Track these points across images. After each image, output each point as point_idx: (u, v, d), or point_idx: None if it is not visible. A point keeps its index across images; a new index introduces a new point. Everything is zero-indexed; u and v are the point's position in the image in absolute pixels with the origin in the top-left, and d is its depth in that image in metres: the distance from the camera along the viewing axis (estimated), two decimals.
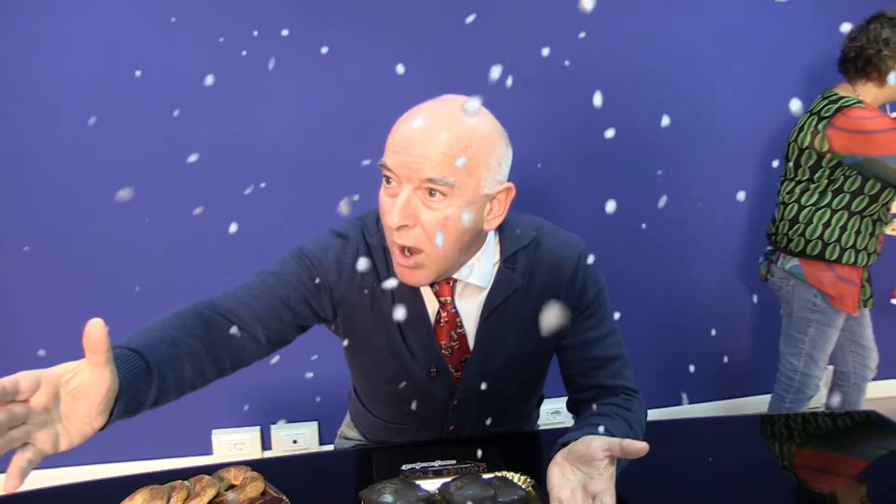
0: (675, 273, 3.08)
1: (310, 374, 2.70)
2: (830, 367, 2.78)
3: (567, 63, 2.66)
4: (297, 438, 2.78)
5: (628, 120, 2.81)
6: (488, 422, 1.37)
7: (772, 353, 2.73)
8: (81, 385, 0.80)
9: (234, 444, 2.78)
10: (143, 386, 0.93)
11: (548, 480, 1.05)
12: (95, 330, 0.77)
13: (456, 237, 1.13)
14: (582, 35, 2.66)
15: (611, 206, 2.35)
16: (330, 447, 2.59)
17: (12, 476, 0.73)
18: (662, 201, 2.96)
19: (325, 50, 2.49)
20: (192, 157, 2.50)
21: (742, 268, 3.17)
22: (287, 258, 1.25)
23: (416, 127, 1.09)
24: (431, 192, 1.09)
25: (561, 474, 1.03)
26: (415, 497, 1.12)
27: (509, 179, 1.18)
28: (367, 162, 2.45)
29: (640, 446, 0.98)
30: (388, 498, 1.12)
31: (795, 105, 0.83)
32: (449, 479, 1.20)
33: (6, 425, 0.73)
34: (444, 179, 1.08)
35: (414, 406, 1.34)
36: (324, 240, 1.27)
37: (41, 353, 2.30)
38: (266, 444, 2.82)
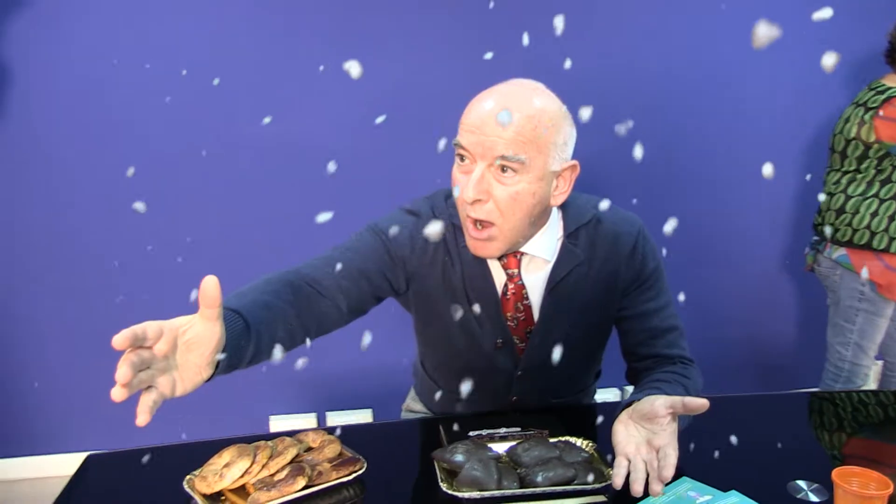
0: (718, 266, 3.10)
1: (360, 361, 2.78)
2: (880, 363, 2.79)
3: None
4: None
5: (672, 112, 2.85)
6: (550, 393, 1.44)
7: (817, 347, 2.75)
8: (195, 337, 0.88)
9: (291, 430, 2.86)
10: (244, 343, 1.01)
11: (613, 437, 1.11)
12: (211, 286, 0.85)
13: (526, 211, 1.20)
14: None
15: (669, 226, 2.38)
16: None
17: (142, 412, 0.82)
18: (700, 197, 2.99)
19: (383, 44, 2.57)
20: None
21: (784, 260, 3.18)
22: (363, 233, 1.33)
23: (490, 108, 1.16)
24: (504, 169, 1.17)
25: (626, 431, 1.09)
26: (486, 456, 1.19)
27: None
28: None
29: (701, 402, 1.04)
30: (460, 457, 1.19)
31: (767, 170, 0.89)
32: (515, 443, 1.27)
33: (137, 367, 0.81)
34: (516, 157, 1.15)
35: (480, 377, 1.41)
36: (396, 217, 1.35)
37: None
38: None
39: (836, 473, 1.05)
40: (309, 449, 1.28)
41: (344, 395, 2.89)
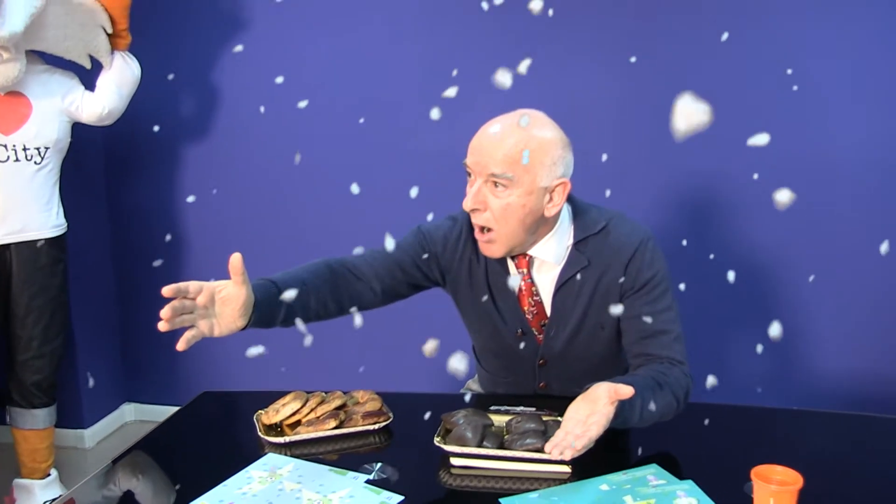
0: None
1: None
2: None
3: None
4: None
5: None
6: (574, 383, 1.64)
7: None
8: (227, 295, 1.27)
9: None
10: (274, 307, 1.38)
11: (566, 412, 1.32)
12: (235, 262, 1.23)
13: (519, 220, 1.45)
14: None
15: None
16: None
17: (182, 342, 1.22)
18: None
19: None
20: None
21: None
22: (408, 233, 1.65)
23: (488, 133, 1.45)
24: (496, 184, 1.43)
25: (574, 407, 1.30)
26: (480, 422, 1.43)
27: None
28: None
29: (626, 391, 1.23)
30: (461, 420, 1.45)
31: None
32: (512, 417, 1.49)
33: (179, 311, 1.20)
34: (504, 174, 1.42)
35: (509, 362, 1.66)
36: (439, 221, 1.65)
37: None
38: None
39: (755, 471, 1.18)
40: (356, 403, 1.60)
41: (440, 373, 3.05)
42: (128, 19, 2.55)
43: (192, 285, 1.22)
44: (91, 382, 3.17)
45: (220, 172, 3.13)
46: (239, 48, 2.97)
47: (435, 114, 1.96)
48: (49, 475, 2.66)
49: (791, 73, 2.51)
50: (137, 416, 3.47)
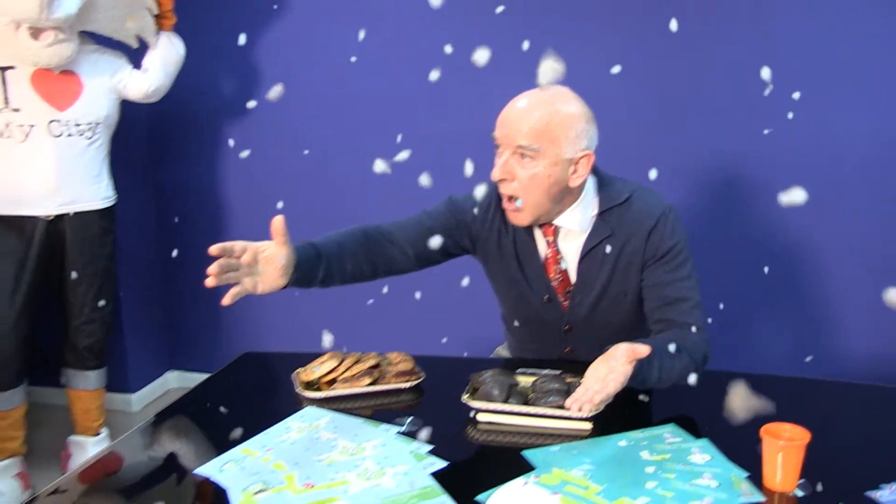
0: None
1: None
2: None
3: None
4: None
5: None
6: (598, 349, 1.71)
7: None
8: (270, 255, 1.37)
9: None
10: (313, 267, 1.48)
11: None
12: (278, 223, 1.34)
13: (544, 189, 1.53)
14: None
15: None
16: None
17: (227, 297, 1.32)
18: None
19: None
20: None
21: None
22: (441, 203, 1.73)
23: (515, 107, 1.53)
24: (522, 155, 1.51)
25: (594, 366, 1.37)
26: (507, 382, 1.51)
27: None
28: None
29: (644, 349, 1.30)
30: (488, 379, 1.53)
31: None
32: (537, 378, 1.57)
33: (225, 268, 1.30)
34: (531, 146, 1.49)
35: (536, 328, 1.73)
36: (470, 192, 1.72)
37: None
38: None
39: (765, 428, 1.24)
40: (390, 364, 1.69)
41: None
42: (173, 1, 2.65)
43: (237, 245, 1.32)
44: (136, 349, 3.32)
45: (260, 142, 3.22)
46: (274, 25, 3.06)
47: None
48: (100, 433, 2.81)
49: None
50: (181, 384, 3.61)
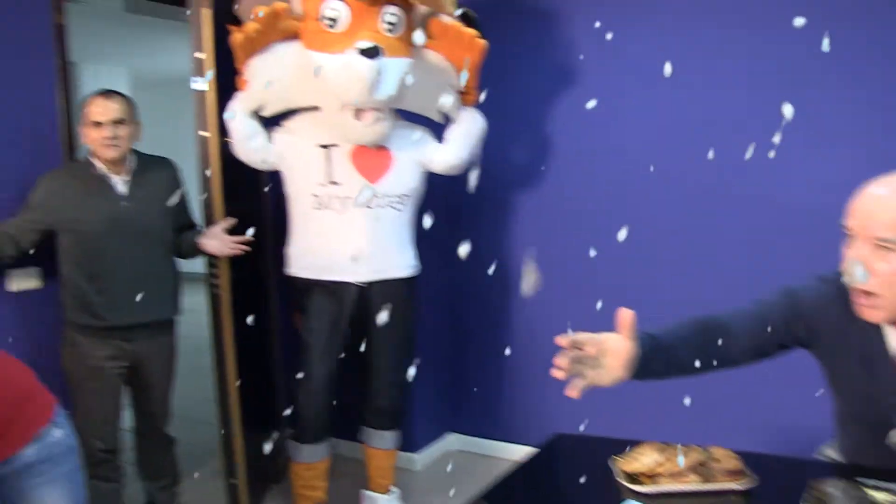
0: None
1: None
2: None
3: None
4: None
5: None
6: None
7: None
8: (614, 348, 1.33)
9: None
10: (651, 359, 1.43)
11: None
12: (627, 318, 1.32)
13: None
14: None
15: None
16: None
17: (573, 389, 1.32)
18: None
19: None
20: None
21: None
22: (775, 292, 1.61)
23: (872, 195, 1.39)
24: (882, 248, 1.36)
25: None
26: (862, 496, 1.33)
27: None
28: None
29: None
30: (837, 493, 1.36)
31: None
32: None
33: (575, 361, 1.28)
34: (892, 239, 1.34)
35: (877, 433, 1.53)
36: (807, 282, 1.60)
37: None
38: None
39: None
40: (715, 460, 1.57)
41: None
42: (477, 79, 2.76)
43: (583, 336, 1.31)
44: (423, 410, 3.45)
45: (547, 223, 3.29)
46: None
47: None
48: (391, 492, 2.93)
49: None
50: (461, 447, 3.71)
